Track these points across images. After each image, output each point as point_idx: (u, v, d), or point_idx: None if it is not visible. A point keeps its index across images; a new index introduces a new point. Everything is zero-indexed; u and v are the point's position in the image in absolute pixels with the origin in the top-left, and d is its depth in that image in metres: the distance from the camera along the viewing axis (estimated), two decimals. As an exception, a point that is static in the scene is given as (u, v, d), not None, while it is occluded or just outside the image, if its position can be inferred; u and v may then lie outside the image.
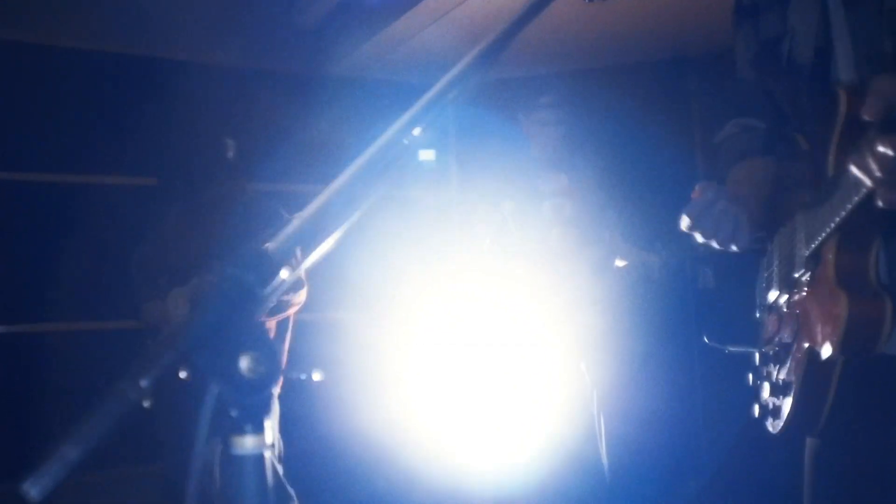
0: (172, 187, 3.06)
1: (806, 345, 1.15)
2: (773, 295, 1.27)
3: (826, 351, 1.08)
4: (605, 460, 3.33)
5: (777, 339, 1.27)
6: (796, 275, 1.19)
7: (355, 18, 4.33)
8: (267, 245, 0.69)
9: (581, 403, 3.33)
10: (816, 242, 1.11)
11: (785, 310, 1.24)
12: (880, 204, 0.93)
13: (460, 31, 4.21)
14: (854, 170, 0.94)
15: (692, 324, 4.22)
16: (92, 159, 3.87)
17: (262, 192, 3.13)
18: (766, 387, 1.27)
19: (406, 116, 0.81)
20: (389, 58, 4.50)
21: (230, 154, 2.98)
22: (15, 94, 3.75)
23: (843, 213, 1.02)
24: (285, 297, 2.80)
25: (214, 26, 3.99)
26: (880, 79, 0.92)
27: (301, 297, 2.88)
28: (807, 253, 1.15)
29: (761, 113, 1.39)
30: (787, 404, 1.19)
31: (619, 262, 3.42)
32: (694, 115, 5.06)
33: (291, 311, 2.90)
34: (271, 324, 2.85)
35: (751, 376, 1.35)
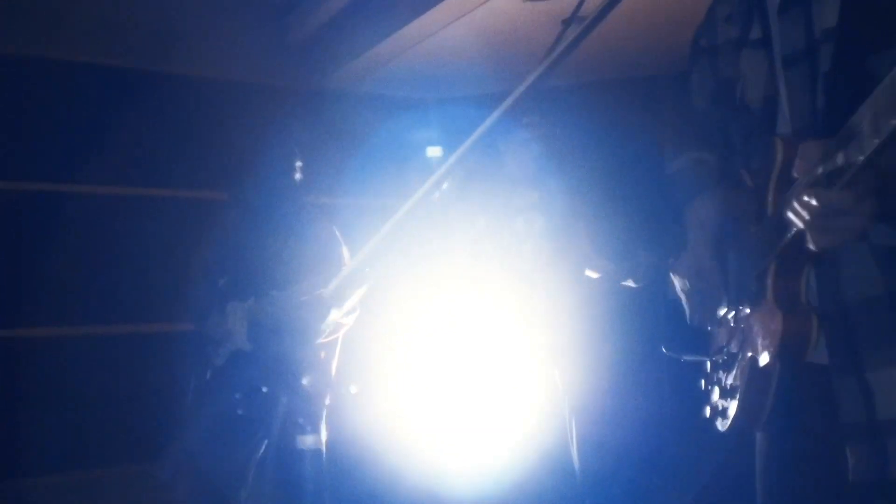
0: (242, 202, 3.19)
1: (749, 354, 1.35)
2: (722, 311, 1.46)
3: (764, 359, 1.28)
4: (576, 463, 3.49)
5: (725, 349, 1.45)
6: (742, 295, 1.38)
7: (347, 33, 4.48)
8: (322, 291, 0.88)
9: (554, 408, 3.50)
10: (759, 269, 1.31)
11: (732, 324, 1.43)
12: (811, 247, 1.12)
13: (447, 49, 4.40)
14: (788, 214, 1.13)
15: (663, 332, 4.41)
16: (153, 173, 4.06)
17: (317, 209, 3.26)
18: (717, 391, 1.47)
19: (437, 174, 0.96)
20: (380, 72, 4.67)
21: (298, 175, 3.15)
22: (80, 110, 3.92)
23: (780, 247, 1.22)
24: (340, 321, 2.97)
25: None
26: (806, 144, 1.11)
27: (352, 319, 3.06)
28: (751, 277, 1.34)
29: (713, 145, 1.53)
30: (733, 406, 1.38)
31: (591, 273, 3.62)
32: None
33: (341, 332, 3.06)
34: (323, 342, 2.98)
35: (703, 382, 1.54)
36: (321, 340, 2.95)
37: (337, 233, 3.13)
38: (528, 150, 3.58)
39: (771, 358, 1.26)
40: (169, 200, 4.16)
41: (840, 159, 0.99)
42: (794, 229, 1.14)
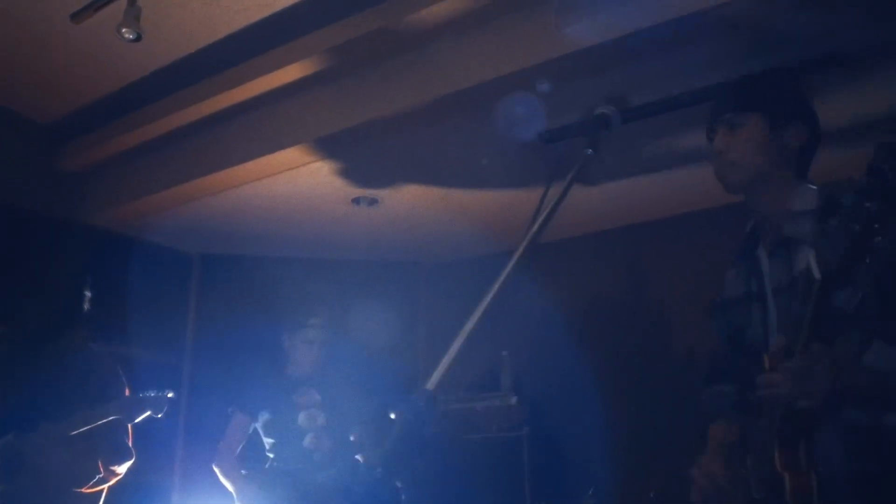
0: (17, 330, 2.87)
1: None
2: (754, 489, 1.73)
3: None
4: None
5: None
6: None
7: (120, 174, 4.21)
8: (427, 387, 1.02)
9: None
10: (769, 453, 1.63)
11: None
12: (796, 405, 1.53)
13: (235, 208, 4.33)
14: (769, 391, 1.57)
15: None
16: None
17: (100, 350, 3.01)
18: None
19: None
20: (149, 220, 4.41)
21: (87, 306, 2.94)
22: None
23: (776, 423, 1.59)
24: (111, 468, 2.79)
25: None
26: (775, 342, 1.59)
27: (124, 468, 2.85)
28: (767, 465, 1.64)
29: (731, 378, 1.99)
30: None
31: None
32: (421, 315, 5.51)
33: (109, 484, 2.84)
34: (88, 491, 2.77)
35: None
36: (85, 489, 2.75)
37: (121, 372, 2.95)
38: (311, 349, 3.64)
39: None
40: None
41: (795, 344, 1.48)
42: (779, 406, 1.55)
